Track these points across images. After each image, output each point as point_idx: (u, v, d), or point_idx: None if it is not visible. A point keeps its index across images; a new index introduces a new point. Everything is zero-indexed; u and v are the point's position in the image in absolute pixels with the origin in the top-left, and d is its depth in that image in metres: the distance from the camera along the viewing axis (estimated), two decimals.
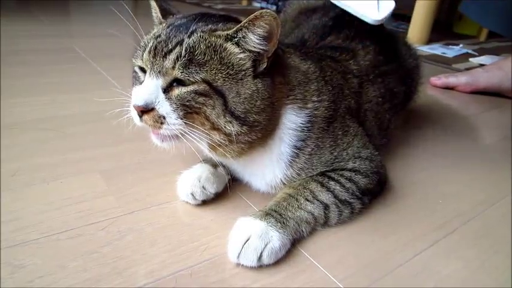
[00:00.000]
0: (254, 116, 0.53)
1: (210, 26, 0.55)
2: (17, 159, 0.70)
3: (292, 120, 0.59)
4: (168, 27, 0.56)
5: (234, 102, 0.52)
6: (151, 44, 0.54)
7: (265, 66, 0.54)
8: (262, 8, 2.91)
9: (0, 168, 0.66)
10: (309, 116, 0.60)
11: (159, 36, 0.54)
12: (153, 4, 0.63)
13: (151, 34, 0.57)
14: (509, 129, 1.08)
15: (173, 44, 0.52)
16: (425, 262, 0.55)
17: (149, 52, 0.53)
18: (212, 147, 0.56)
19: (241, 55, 0.53)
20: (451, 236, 0.61)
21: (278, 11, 2.62)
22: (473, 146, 0.97)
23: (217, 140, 0.54)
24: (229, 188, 0.66)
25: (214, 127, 0.53)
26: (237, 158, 0.58)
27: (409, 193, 0.72)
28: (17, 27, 1.62)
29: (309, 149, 0.61)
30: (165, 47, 0.53)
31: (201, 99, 0.52)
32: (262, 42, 0.52)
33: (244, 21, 0.52)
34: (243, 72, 0.53)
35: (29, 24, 1.71)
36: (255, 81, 0.53)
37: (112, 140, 0.80)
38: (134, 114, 0.55)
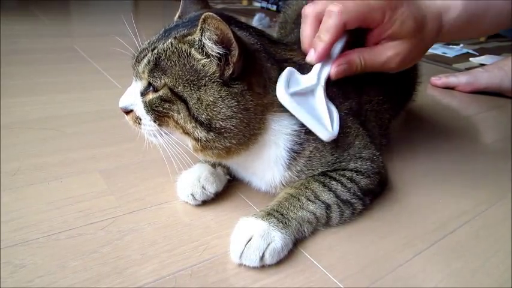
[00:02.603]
0: (220, 123, 0.52)
1: (185, 30, 0.55)
2: (17, 159, 0.70)
3: (284, 125, 0.58)
4: (162, 31, 0.58)
5: (196, 108, 0.52)
6: (140, 49, 0.57)
7: (230, 72, 0.51)
8: (262, 8, 2.92)
9: (0, 168, 0.66)
10: None
11: (149, 41, 0.58)
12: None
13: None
14: (509, 129, 1.08)
15: (150, 49, 0.54)
16: (425, 262, 0.55)
17: (134, 58, 0.57)
18: (194, 149, 0.57)
19: (204, 61, 0.52)
20: (451, 236, 0.61)
21: (278, 11, 2.62)
22: (473, 146, 0.97)
23: (192, 145, 0.56)
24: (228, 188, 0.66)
25: (185, 131, 0.54)
26: (221, 160, 0.59)
27: (409, 193, 0.71)
28: (17, 27, 1.62)
29: (308, 152, 0.59)
30: (143, 52, 0.55)
31: (166, 105, 0.53)
32: (217, 46, 0.50)
33: (198, 26, 0.50)
34: (207, 79, 0.52)
35: (29, 24, 1.71)
36: (220, 88, 0.52)
37: (112, 140, 0.80)
38: None
